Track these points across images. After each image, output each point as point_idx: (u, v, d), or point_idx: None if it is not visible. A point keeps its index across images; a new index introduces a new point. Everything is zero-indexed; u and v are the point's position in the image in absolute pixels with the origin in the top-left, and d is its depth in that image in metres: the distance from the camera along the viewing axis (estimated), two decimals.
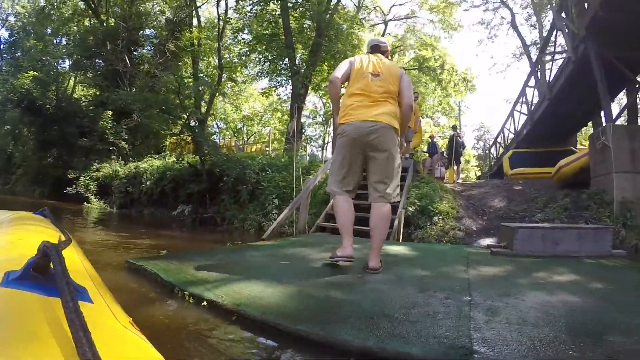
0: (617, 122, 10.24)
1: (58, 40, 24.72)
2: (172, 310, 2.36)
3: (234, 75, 23.88)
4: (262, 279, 2.81)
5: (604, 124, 9.18)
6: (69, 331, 0.62)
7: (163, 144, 20.44)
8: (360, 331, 1.85)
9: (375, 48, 3.70)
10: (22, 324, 0.67)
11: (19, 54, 24.34)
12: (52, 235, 1.49)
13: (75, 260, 1.22)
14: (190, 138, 15.61)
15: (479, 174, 26.65)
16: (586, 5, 9.69)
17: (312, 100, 32.70)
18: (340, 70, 3.45)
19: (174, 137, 18.78)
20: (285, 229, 7.43)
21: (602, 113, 10.01)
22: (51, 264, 0.82)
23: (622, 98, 14.45)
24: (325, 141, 34.89)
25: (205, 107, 19.93)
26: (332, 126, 21.96)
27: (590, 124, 14.85)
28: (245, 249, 4.78)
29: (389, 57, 3.80)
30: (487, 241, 6.01)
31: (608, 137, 8.29)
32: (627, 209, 7.60)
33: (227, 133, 35.92)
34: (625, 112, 12.20)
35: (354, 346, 1.73)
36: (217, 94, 20.89)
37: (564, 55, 12.18)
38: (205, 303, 2.32)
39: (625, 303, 2.71)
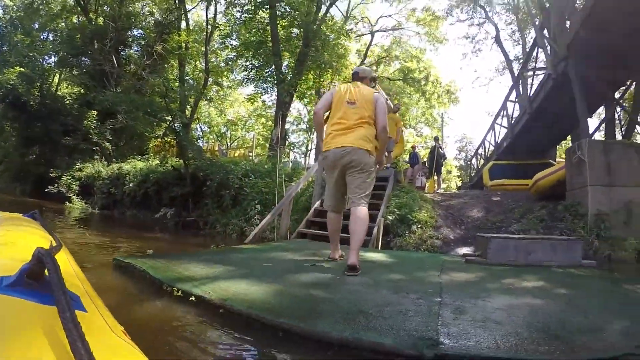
0: (597, 136, 10.55)
1: (45, 36, 24.46)
2: (162, 305, 2.49)
3: (219, 80, 23.97)
4: (247, 278, 2.95)
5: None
6: (65, 340, 0.62)
7: (147, 146, 20.39)
8: (338, 324, 2.01)
9: (354, 76, 4.23)
10: (17, 333, 0.66)
11: (5, 48, 23.99)
12: (44, 239, 1.49)
13: (66, 266, 1.22)
14: (174, 141, 15.64)
15: (460, 184, 26.97)
16: (568, 24, 10.05)
17: (297, 107, 32.90)
18: (322, 102, 4.03)
19: (158, 140, 18.73)
20: (267, 234, 7.55)
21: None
22: (45, 270, 0.82)
23: (602, 113, 14.88)
24: (308, 148, 35.00)
25: (190, 111, 19.96)
26: (315, 134, 22.10)
27: (570, 137, 15.26)
28: (229, 251, 4.91)
29: (372, 83, 4.35)
30: (464, 250, 6.17)
31: (584, 151, 8.59)
32: (602, 221, 7.88)
33: (211, 137, 35.81)
34: (604, 126, 12.65)
35: (333, 337, 1.89)
36: (203, 97, 20.92)
37: (545, 71, 12.53)
38: (193, 298, 2.44)
39: (588, 307, 2.88)
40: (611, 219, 7.94)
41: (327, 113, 4.07)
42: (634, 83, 11.50)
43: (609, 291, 3.72)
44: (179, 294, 2.55)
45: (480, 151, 19.47)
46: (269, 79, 18.43)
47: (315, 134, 25.05)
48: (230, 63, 21.22)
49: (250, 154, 22.23)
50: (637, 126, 12.83)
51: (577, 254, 5.15)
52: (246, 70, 19.43)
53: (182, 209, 12.17)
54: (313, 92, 20.62)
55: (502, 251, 4.76)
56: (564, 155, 13.10)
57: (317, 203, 7.86)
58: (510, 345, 1.94)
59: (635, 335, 2.28)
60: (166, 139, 16.83)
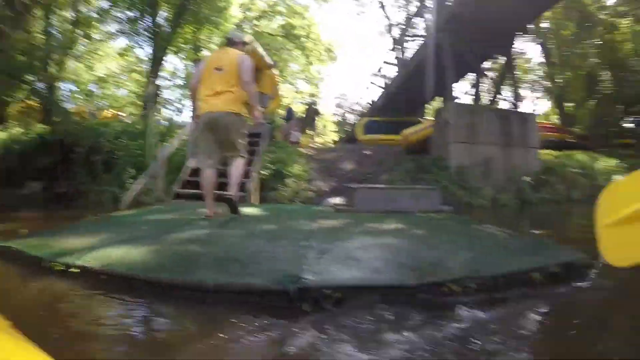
0: (467, 99, 11.98)
1: None
2: (45, 283, 2.44)
3: (90, 32, 21.99)
4: (126, 242, 3.01)
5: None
6: None
7: (7, 113, 18.37)
8: (214, 273, 2.23)
9: (227, 42, 4.59)
10: None
11: None
12: None
13: None
14: (39, 104, 14.31)
15: (337, 139, 27.95)
16: None
17: (173, 62, 31.27)
18: (195, 76, 4.44)
19: (21, 104, 16.96)
20: (142, 198, 7.38)
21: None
22: None
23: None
24: (183, 105, 33.42)
25: (56, 69, 18.23)
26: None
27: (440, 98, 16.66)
28: (105, 219, 4.82)
29: (243, 47, 4.64)
30: (336, 200, 6.57)
31: (449, 112, 9.74)
32: (462, 173, 9.01)
33: (79, 97, 32.72)
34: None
35: (209, 285, 2.11)
36: (70, 53, 19.16)
37: (422, 38, 13.57)
38: (75, 270, 2.44)
39: (439, 244, 3.37)
40: (471, 171, 9.11)
41: None
42: (504, 58, 12.96)
43: (459, 231, 4.32)
44: (60, 268, 2.51)
45: (357, 107, 20.39)
46: (143, 31, 17.38)
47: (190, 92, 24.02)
48: (102, 14, 19.48)
49: (122, 114, 21.02)
50: (500, 94, 14.69)
51: (436, 200, 5.87)
52: (119, 21, 18.09)
53: (51, 180, 11.31)
54: (190, 47, 19.86)
55: (368, 200, 5.27)
56: (433, 114, 14.39)
57: (192, 162, 7.74)
58: (364, 276, 2.32)
59: (473, 264, 2.77)
60: (29, 102, 15.32)
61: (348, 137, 19.13)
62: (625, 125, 19.20)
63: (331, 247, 2.92)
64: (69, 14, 20.32)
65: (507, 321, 2.18)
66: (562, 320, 2.36)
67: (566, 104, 22.03)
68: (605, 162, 13.25)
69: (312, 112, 14.87)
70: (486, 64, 14.58)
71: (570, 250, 3.73)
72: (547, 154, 12.39)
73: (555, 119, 23.34)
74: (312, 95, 16.62)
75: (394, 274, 2.42)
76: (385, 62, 16.95)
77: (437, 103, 18.09)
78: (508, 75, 13.28)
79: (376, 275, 2.35)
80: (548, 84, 24.23)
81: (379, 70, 18.13)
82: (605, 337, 2.02)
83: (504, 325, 2.10)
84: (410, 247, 3.17)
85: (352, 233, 3.55)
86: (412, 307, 2.20)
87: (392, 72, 16.49)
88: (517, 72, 21.60)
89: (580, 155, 13.07)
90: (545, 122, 19.90)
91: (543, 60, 23.54)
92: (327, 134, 34.10)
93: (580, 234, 6.30)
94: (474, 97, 14.02)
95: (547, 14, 16.17)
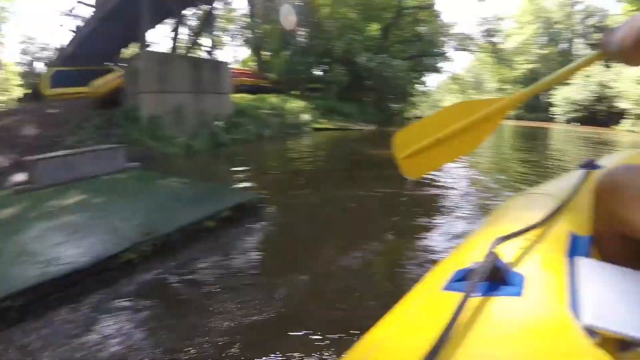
0: (166, 45, 12.22)
1: None
2: None
3: None
4: None
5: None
6: None
7: None
8: None
9: None
10: None
11: None
12: None
13: None
14: None
15: (22, 95, 24.49)
16: None
17: None
18: None
19: None
20: None
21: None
22: None
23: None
24: None
25: None
26: None
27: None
28: None
29: None
30: (21, 178, 5.76)
31: (140, 61, 9.80)
32: (154, 123, 9.32)
33: None
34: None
35: None
36: None
37: None
38: None
39: (116, 211, 3.74)
40: (163, 121, 9.54)
41: None
42: (207, 6, 13.38)
43: (140, 191, 4.68)
44: None
45: (45, 55, 18.31)
46: None
47: None
48: None
49: None
50: (199, 42, 15.34)
51: (121, 159, 6.03)
52: None
53: None
54: None
55: (49, 172, 5.00)
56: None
57: None
58: (38, 272, 2.46)
59: (149, 225, 3.21)
60: None
61: (35, 92, 16.94)
62: (315, 72, 23.02)
63: (4, 245, 2.90)
64: None
65: (187, 278, 2.71)
66: (232, 261, 3.10)
67: (263, 53, 24.41)
68: (295, 104, 15.98)
69: None
70: (188, 12, 14.90)
71: (242, 192, 4.56)
72: (241, 98, 13.85)
73: (252, 66, 25.60)
74: None
75: (69, 259, 2.63)
76: (79, 1, 15.42)
77: (133, 49, 17.70)
78: (208, 23, 13.94)
79: (51, 267, 2.51)
80: (248, 34, 26.42)
81: (72, 10, 16.32)
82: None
83: (184, 283, 2.63)
84: (87, 221, 3.46)
85: (28, 220, 3.54)
86: (91, 291, 2.47)
87: (88, 13, 15.11)
88: (219, 21, 23.26)
89: (273, 98, 15.18)
90: (242, 68, 21.88)
91: (247, 13, 25.90)
92: (9, 90, 29.17)
93: (264, 169, 7.59)
94: (172, 44, 14.35)
95: None
